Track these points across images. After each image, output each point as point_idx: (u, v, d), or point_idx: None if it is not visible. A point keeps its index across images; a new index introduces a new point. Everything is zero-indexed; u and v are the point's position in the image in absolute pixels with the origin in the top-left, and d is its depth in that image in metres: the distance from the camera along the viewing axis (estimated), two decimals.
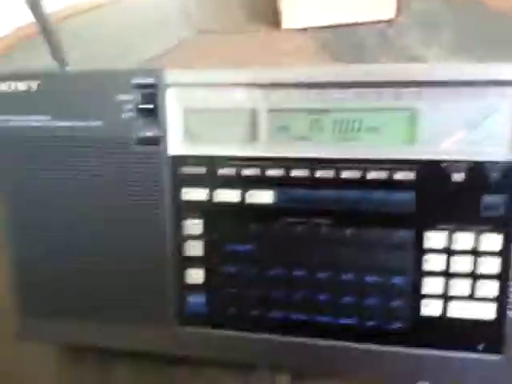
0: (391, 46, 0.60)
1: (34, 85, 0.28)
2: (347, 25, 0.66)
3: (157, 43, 0.69)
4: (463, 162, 0.23)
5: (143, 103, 0.26)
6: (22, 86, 0.27)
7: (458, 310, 0.24)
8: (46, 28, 0.31)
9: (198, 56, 0.65)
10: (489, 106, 0.23)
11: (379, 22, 0.65)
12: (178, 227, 0.27)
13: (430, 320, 0.24)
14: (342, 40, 0.63)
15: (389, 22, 0.64)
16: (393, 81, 0.23)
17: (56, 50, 0.32)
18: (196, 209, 0.26)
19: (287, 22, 0.68)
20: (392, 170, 0.24)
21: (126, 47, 0.69)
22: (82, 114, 0.27)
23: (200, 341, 0.27)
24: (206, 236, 0.27)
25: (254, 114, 0.25)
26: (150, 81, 0.26)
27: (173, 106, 0.26)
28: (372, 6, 0.65)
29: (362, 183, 0.24)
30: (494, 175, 0.23)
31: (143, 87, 0.26)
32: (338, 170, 0.25)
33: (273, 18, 0.69)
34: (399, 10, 0.64)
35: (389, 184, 0.24)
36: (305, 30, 0.67)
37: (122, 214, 0.27)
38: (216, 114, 0.26)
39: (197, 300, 0.27)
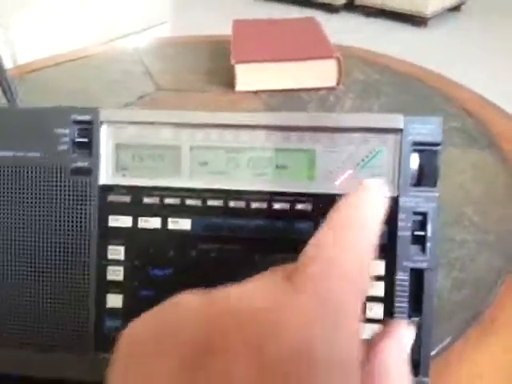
0: (330, 111, 0.66)
1: None
2: (294, 90, 0.72)
3: (119, 97, 0.73)
4: None
5: (79, 137, 0.29)
6: None
7: None
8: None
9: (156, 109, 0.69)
10: (373, 150, 0.27)
11: (322, 88, 0.72)
12: (103, 253, 0.29)
13: None
14: (287, 103, 0.69)
15: (330, 89, 0.71)
16: (295, 126, 0.28)
17: (8, 92, 0.36)
18: (120, 235, 0.29)
19: (240, 85, 0.74)
20: (293, 202, 0.27)
21: (91, 100, 0.73)
22: (23, 146, 0.30)
23: None
24: (128, 261, 0.29)
25: (178, 151, 0.29)
26: (86, 117, 0.29)
27: (106, 140, 0.29)
28: (316, 76, 0.72)
29: (268, 213, 0.27)
30: None
31: (80, 123, 0.29)
32: (248, 201, 0.28)
33: (228, 82, 0.75)
34: (340, 79, 0.71)
35: (291, 214, 0.27)
36: (256, 93, 0.73)
37: (53, 239, 0.29)
38: (145, 150, 0.29)
39: (113, 325, 0.28)
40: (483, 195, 0.50)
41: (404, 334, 0.22)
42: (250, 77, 0.73)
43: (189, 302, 0.18)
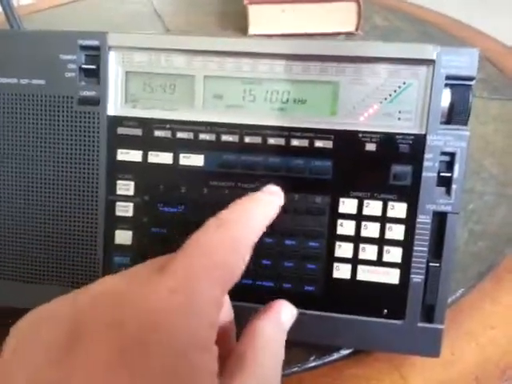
0: None
1: None
2: (310, 34, 0.69)
3: None
4: (376, 133, 0.25)
5: (86, 63, 0.27)
6: None
7: (366, 274, 0.26)
8: None
9: None
10: (402, 83, 0.25)
11: (340, 33, 0.68)
12: (111, 188, 0.27)
13: (341, 283, 0.26)
14: None
15: (349, 34, 0.68)
16: (318, 55, 0.25)
17: (11, 16, 0.33)
18: (129, 170, 0.27)
19: (253, 28, 0.70)
20: (313, 139, 0.26)
21: None
22: (27, 72, 0.28)
23: None
24: (137, 197, 0.27)
25: (191, 81, 0.27)
26: (94, 42, 0.27)
27: (115, 68, 0.27)
28: (334, 19, 0.68)
29: (285, 150, 0.26)
30: (403, 147, 0.25)
31: (87, 48, 0.27)
32: (264, 137, 0.26)
33: (242, 26, 0.71)
34: (359, 23, 0.68)
35: (309, 152, 0.26)
36: (270, 36, 0.69)
37: (60, 171, 0.28)
38: (156, 79, 0.27)
39: (122, 261, 0.27)
40: (504, 147, 0.48)
41: (283, 312, 0.22)
42: (264, 19, 0.70)
43: (61, 298, 0.18)
